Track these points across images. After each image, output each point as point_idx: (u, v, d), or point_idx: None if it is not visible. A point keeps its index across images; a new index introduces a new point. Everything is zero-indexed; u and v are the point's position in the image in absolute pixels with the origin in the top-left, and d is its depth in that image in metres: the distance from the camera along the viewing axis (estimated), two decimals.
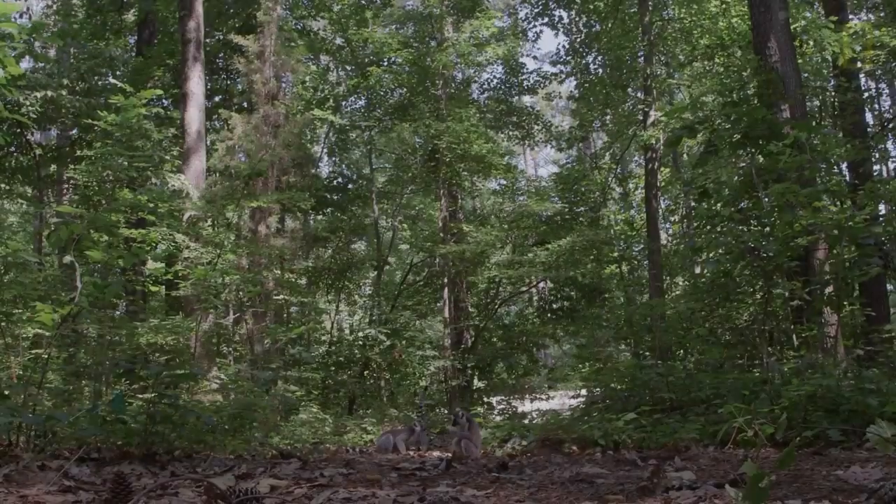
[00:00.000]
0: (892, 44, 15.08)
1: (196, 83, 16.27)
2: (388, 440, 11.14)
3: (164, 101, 21.42)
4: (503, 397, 21.04)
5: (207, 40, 20.09)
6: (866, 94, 18.13)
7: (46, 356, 8.09)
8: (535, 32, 54.01)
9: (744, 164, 12.28)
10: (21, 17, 24.52)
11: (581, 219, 22.88)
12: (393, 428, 14.12)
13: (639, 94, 24.18)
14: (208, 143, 18.29)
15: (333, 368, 20.16)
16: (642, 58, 22.98)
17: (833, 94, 16.26)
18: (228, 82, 23.87)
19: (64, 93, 17.76)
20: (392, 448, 10.73)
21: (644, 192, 23.46)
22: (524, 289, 24.28)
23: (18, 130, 18.54)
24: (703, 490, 3.93)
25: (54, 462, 5.42)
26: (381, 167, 28.70)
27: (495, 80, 27.13)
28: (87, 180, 14.43)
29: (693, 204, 16.43)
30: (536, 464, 6.47)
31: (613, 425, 8.48)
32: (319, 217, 25.59)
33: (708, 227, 12.45)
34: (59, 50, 21.35)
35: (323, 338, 23.18)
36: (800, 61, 14.65)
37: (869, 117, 18.75)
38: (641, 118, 22.95)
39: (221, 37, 22.14)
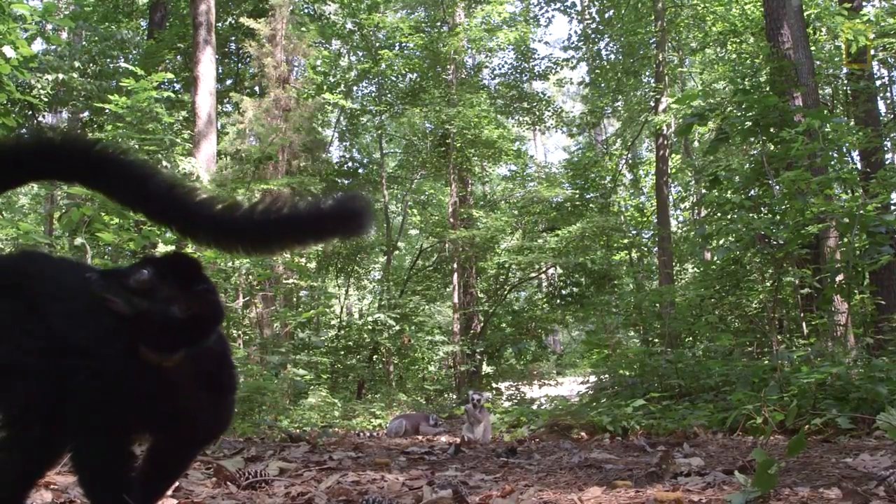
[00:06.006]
0: None
1: (207, 66, 16.27)
2: (399, 425, 11.15)
3: (175, 84, 21.43)
4: (512, 383, 21.06)
5: (219, 24, 20.09)
6: (879, 83, 18.01)
7: None
8: (548, 18, 53.84)
9: (755, 152, 12.24)
10: None
11: (591, 205, 22.85)
12: (404, 413, 14.16)
13: (650, 81, 24.11)
14: (219, 126, 18.31)
15: (342, 353, 20.21)
16: (654, 44, 22.89)
17: (846, 81, 16.18)
18: (240, 66, 23.86)
19: (75, 75, 17.79)
20: (403, 433, 10.74)
21: (655, 178, 23.42)
22: (534, 275, 24.28)
23: (30, 113, 18.58)
24: (711, 476, 3.93)
25: None
26: (391, 152, 28.70)
27: (506, 66, 27.10)
28: None
29: (703, 191, 16.41)
30: (545, 449, 6.48)
31: (622, 412, 8.48)
32: None
33: (718, 215, 12.43)
34: (70, 32, 21.37)
35: (332, 322, 23.24)
36: (812, 49, 14.57)
37: (882, 106, 18.64)
38: (653, 105, 22.90)
39: (233, 20, 22.12)
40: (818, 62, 15.79)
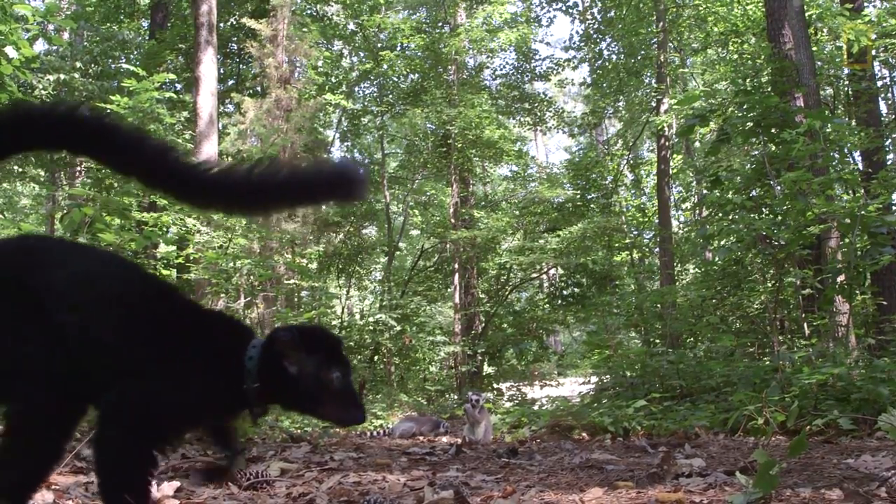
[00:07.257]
0: None
1: (208, 67, 16.24)
2: (409, 428, 11.08)
3: (176, 85, 21.42)
4: (513, 383, 21.07)
5: (220, 24, 20.07)
6: (880, 83, 18.00)
7: None
8: (549, 18, 53.77)
9: (756, 153, 12.24)
10: None
11: (592, 205, 22.86)
12: (410, 415, 14.10)
13: (652, 81, 24.12)
14: (220, 127, 18.28)
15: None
16: (655, 45, 22.89)
17: (847, 82, 16.17)
18: (241, 66, 23.85)
19: (77, 76, 17.79)
20: (411, 435, 10.69)
21: (656, 179, 23.42)
22: (535, 275, 24.28)
23: None
24: (713, 477, 3.93)
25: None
26: (392, 152, 28.72)
27: (508, 66, 27.11)
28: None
29: (705, 191, 16.41)
30: (546, 450, 6.48)
31: (623, 412, 8.47)
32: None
33: (719, 215, 12.43)
34: (72, 33, 21.37)
35: (333, 322, 23.21)
36: (814, 49, 14.57)
37: (883, 106, 18.63)
38: (654, 105, 22.90)
39: (234, 21, 22.11)
40: (819, 63, 15.79)
